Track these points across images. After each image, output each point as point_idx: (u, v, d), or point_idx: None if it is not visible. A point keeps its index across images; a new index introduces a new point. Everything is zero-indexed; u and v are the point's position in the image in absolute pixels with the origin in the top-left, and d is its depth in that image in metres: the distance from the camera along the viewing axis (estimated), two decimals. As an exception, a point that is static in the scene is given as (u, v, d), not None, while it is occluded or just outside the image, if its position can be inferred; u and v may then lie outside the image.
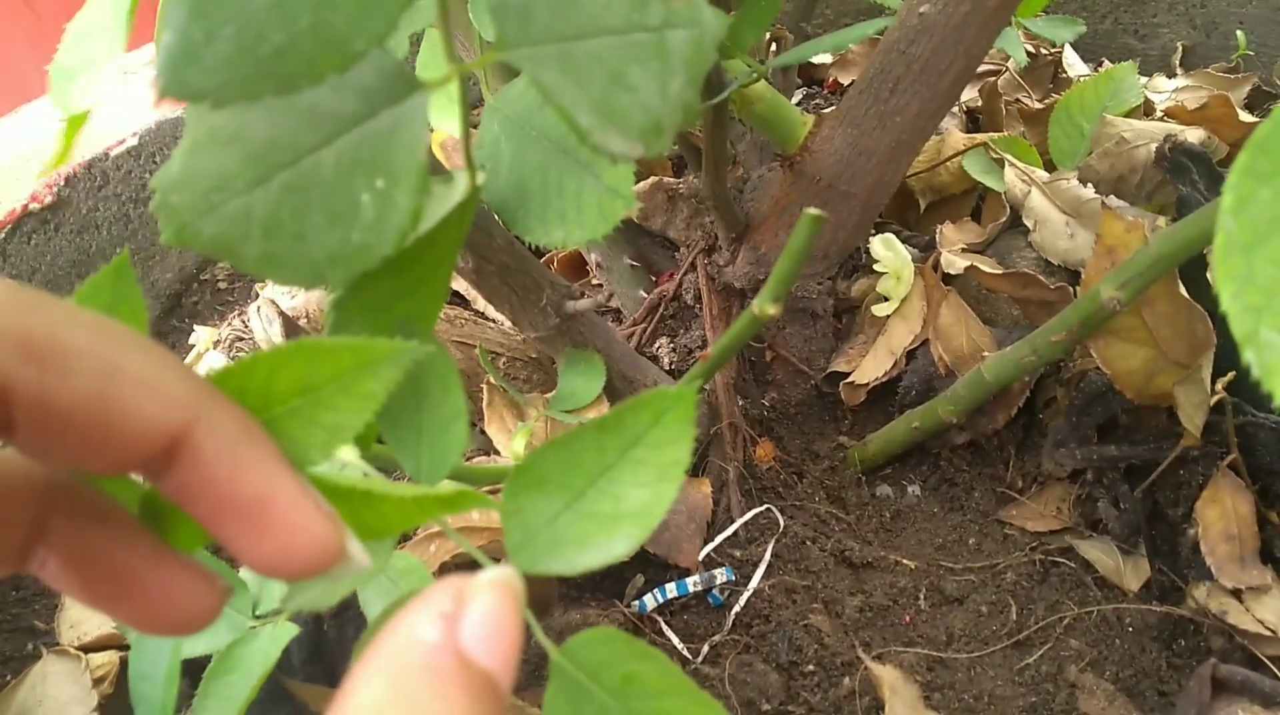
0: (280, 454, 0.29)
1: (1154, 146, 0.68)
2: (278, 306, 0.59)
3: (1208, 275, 0.62)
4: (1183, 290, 0.56)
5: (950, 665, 0.61)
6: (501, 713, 0.25)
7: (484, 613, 0.26)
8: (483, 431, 0.61)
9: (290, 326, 0.59)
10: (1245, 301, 0.35)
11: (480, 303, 0.81)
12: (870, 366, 0.71)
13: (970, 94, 0.94)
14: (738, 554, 0.66)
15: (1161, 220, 0.61)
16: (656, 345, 0.75)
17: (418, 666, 0.24)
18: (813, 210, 0.41)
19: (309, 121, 0.36)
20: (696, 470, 0.72)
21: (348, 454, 0.45)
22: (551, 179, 0.50)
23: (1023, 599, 0.63)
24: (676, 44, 0.35)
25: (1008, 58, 0.94)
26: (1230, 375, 0.58)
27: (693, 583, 0.64)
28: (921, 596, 0.64)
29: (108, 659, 0.59)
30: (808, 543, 0.67)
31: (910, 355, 0.71)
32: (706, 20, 0.34)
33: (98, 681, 0.57)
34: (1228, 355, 0.59)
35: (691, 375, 0.53)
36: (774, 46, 0.74)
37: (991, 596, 0.64)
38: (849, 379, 0.72)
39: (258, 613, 0.53)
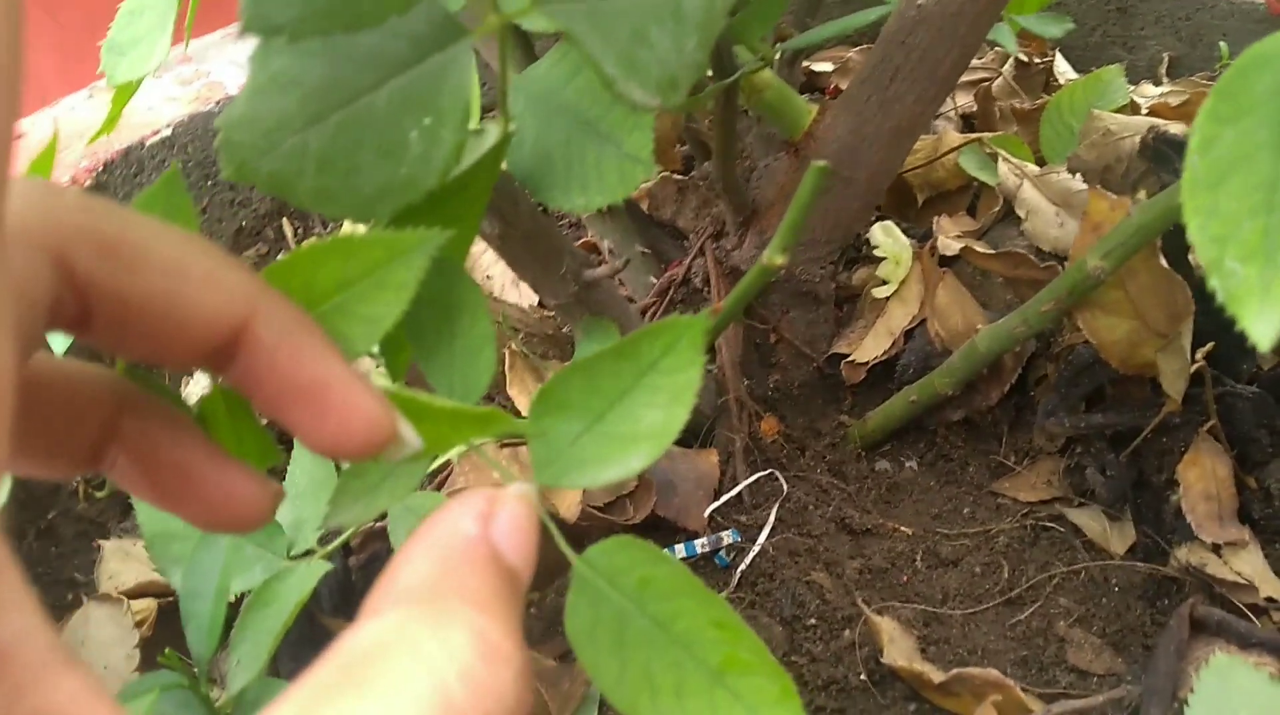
0: (332, 343, 0.32)
1: (1138, 138, 0.71)
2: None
3: (1189, 257, 0.66)
4: (1163, 262, 0.59)
5: (945, 621, 0.64)
6: (521, 600, 0.29)
7: (511, 517, 0.29)
8: (505, 394, 0.64)
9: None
10: (1210, 232, 0.39)
11: (497, 288, 0.85)
12: (870, 346, 0.75)
13: (965, 99, 0.98)
14: (743, 519, 0.69)
15: (1142, 194, 0.65)
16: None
17: (460, 551, 0.27)
18: (820, 162, 0.45)
19: (364, 65, 0.40)
20: (704, 442, 0.75)
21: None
22: (574, 150, 0.54)
23: (1014, 560, 0.66)
24: (691, 8, 0.39)
25: (1003, 64, 0.98)
26: (1210, 346, 0.62)
27: (700, 545, 0.67)
28: (918, 559, 0.67)
29: (146, 605, 0.62)
30: (810, 509, 0.70)
31: (908, 336, 0.75)
32: (717, -11, 0.38)
33: (137, 625, 0.60)
34: (1207, 332, 0.63)
35: (714, 324, 0.57)
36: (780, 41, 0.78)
37: (985, 558, 0.67)
38: (849, 358, 0.75)
39: (292, 554, 0.56)
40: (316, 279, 0.34)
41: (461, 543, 0.27)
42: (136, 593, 0.63)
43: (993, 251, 0.70)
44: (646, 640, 0.37)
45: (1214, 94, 0.39)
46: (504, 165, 0.55)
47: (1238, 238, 0.38)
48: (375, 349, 0.45)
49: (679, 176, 0.84)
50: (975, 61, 1.02)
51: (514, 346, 0.64)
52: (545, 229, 0.59)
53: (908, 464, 0.76)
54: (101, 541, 0.70)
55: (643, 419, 0.42)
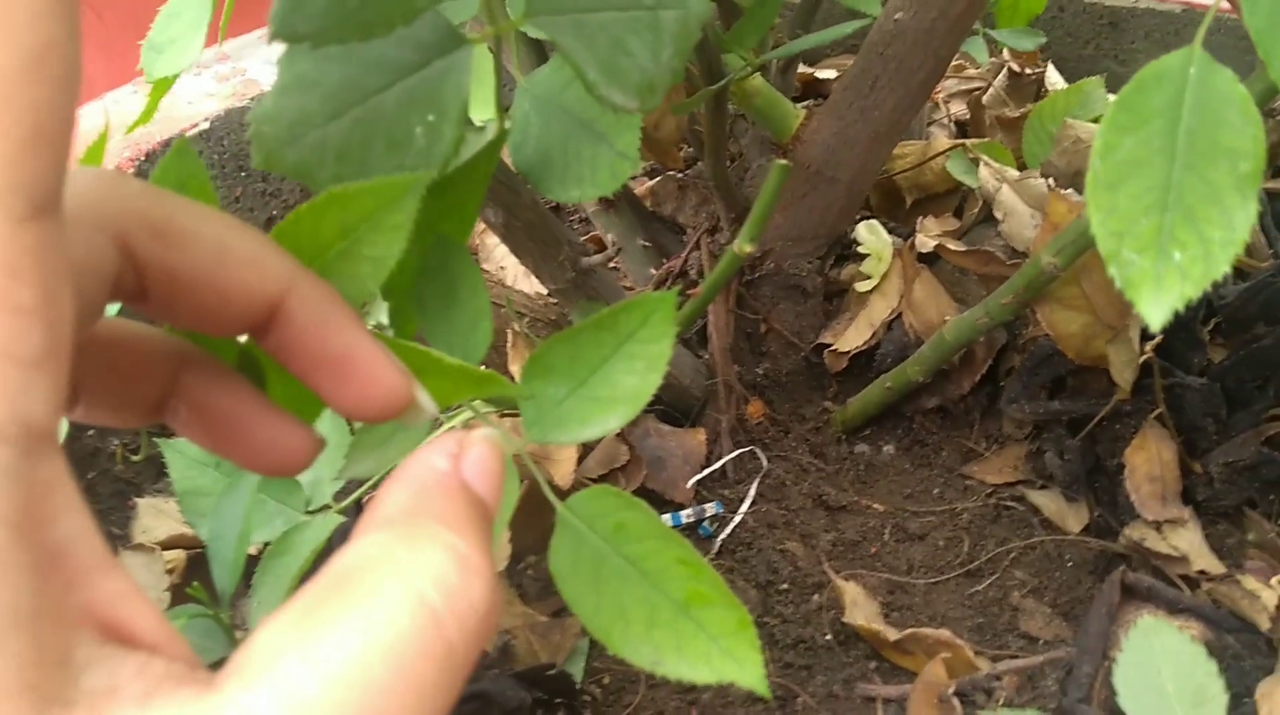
0: (358, 319, 0.38)
1: (1107, 146, 0.76)
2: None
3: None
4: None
5: (908, 590, 0.69)
6: (490, 526, 0.32)
7: (479, 455, 0.33)
8: (508, 371, 0.70)
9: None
10: (1110, 227, 0.44)
11: (510, 278, 0.91)
12: (852, 336, 0.80)
13: (959, 108, 1.03)
14: (726, 492, 0.75)
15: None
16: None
17: (433, 482, 0.31)
18: (782, 161, 0.50)
19: (377, 68, 0.45)
20: (694, 423, 0.80)
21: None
22: (571, 147, 0.60)
23: (976, 536, 0.71)
24: (667, 21, 0.45)
25: (996, 75, 1.03)
26: (1158, 339, 0.67)
27: (686, 515, 0.73)
28: (887, 533, 0.73)
29: (176, 555, 0.69)
30: (789, 485, 0.75)
31: (889, 328, 0.80)
32: (693, 4, 0.44)
33: (167, 572, 0.67)
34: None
35: (685, 310, 0.62)
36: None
37: (949, 534, 0.72)
38: (832, 347, 0.81)
39: (309, 509, 0.62)
40: (321, 229, 0.39)
41: (435, 475, 0.31)
42: (168, 545, 0.70)
43: (964, 249, 0.75)
44: (620, 577, 0.43)
45: (1115, 105, 0.44)
46: (509, 161, 0.61)
47: (1134, 232, 0.44)
48: (385, 320, 0.51)
49: (681, 175, 0.90)
50: (970, 72, 1.07)
51: (517, 327, 0.70)
52: (545, 219, 0.64)
53: (885, 447, 0.81)
54: (136, 499, 0.76)
55: (620, 384, 0.48)
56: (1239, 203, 0.44)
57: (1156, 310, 0.42)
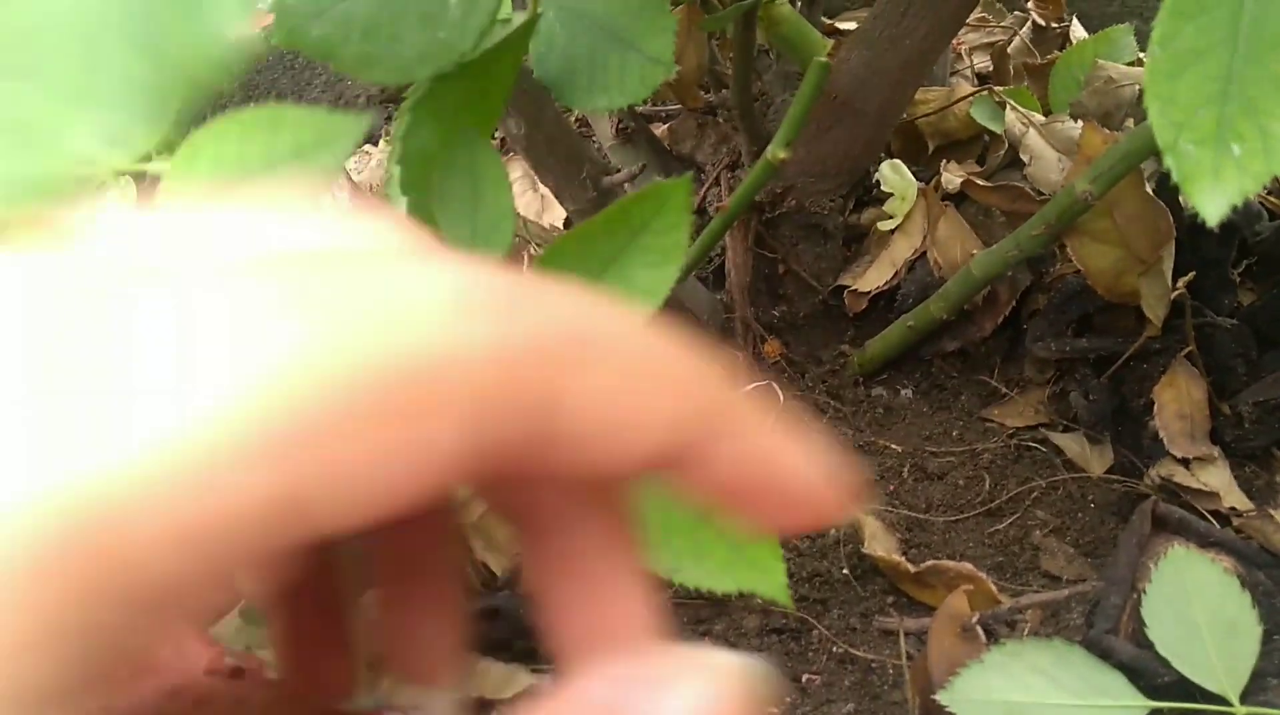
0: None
1: (1138, 86, 0.75)
2: (348, 176, 0.67)
3: (1179, 198, 0.69)
4: (1149, 188, 0.63)
5: (927, 527, 0.68)
6: None
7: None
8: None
9: (358, 196, 0.67)
10: (1169, 118, 0.43)
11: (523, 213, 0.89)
12: (873, 276, 0.79)
13: (983, 61, 1.02)
14: (742, 428, 0.73)
15: (1130, 122, 0.68)
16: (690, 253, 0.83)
17: None
18: (822, 58, 0.49)
19: (408, -65, 0.44)
20: (709, 360, 0.79)
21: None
22: (599, 57, 0.58)
23: (997, 476, 0.70)
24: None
25: (1022, 26, 1.01)
26: (1190, 276, 0.65)
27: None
28: (905, 472, 0.71)
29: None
30: (804, 423, 0.74)
31: (911, 268, 0.79)
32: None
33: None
34: (1189, 264, 0.66)
35: (710, 228, 0.61)
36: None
37: (969, 473, 0.71)
38: (852, 287, 0.79)
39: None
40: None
41: None
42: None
43: (992, 185, 0.73)
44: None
45: (1177, -10, 0.42)
46: (534, 73, 0.60)
47: (1193, 124, 0.42)
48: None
49: (700, 115, 0.88)
50: (994, 24, 1.06)
51: (534, 251, 0.68)
52: (567, 133, 0.63)
53: (903, 391, 0.79)
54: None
55: (636, 278, 0.46)
56: (1302, 96, 0.42)
57: (1213, 204, 0.41)
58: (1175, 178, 0.41)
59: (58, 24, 0.25)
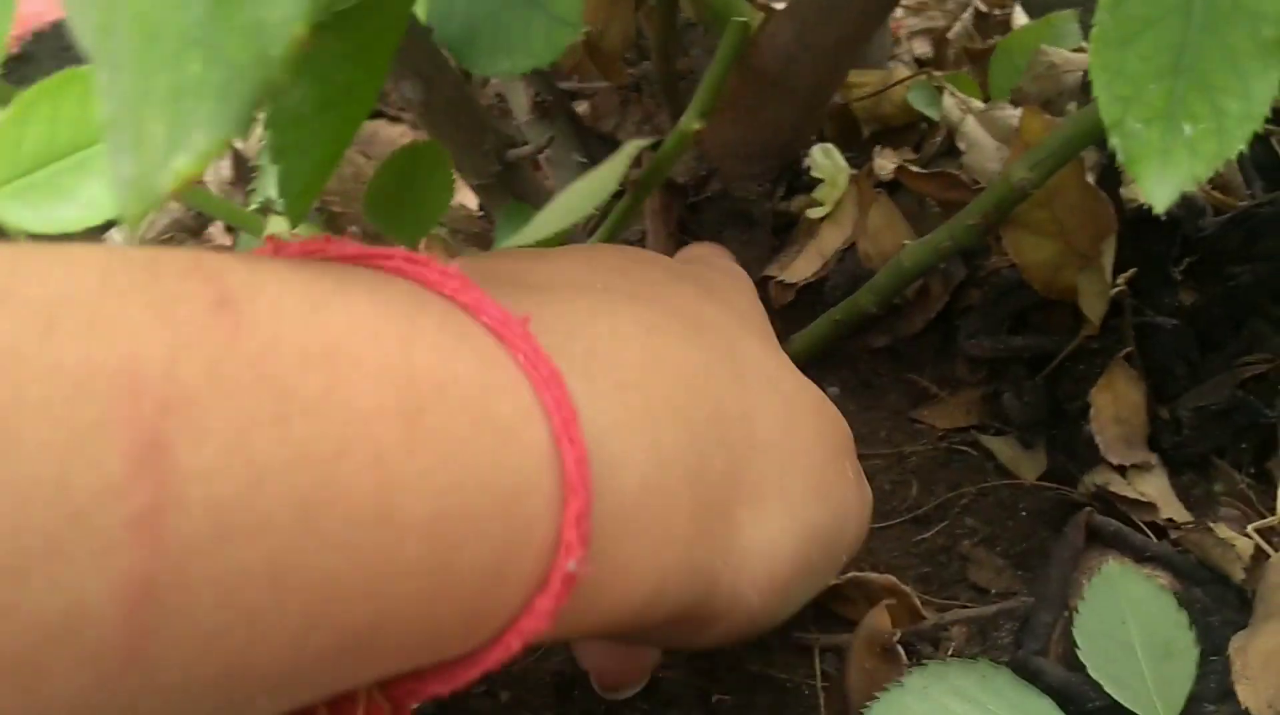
0: None
1: (1081, 73, 0.71)
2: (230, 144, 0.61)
3: (1119, 190, 0.66)
4: (1090, 179, 0.59)
5: (851, 535, 0.63)
6: None
7: None
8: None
9: (240, 164, 0.61)
10: (1115, 91, 0.38)
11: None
12: (800, 267, 0.74)
13: (923, 47, 0.98)
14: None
15: (1073, 106, 0.65)
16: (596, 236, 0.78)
17: None
18: (740, 18, 0.44)
19: None
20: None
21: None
22: (502, 19, 0.53)
23: (925, 480, 0.66)
24: None
25: (963, 10, 0.98)
26: (1131, 272, 0.62)
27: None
28: (830, 475, 0.67)
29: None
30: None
31: (840, 259, 0.74)
32: None
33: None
34: (1131, 261, 0.63)
35: (620, 206, 0.56)
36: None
37: (895, 477, 0.66)
38: (778, 278, 0.75)
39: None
40: None
41: None
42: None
43: (926, 172, 0.69)
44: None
45: (1130, -52, 0.38)
46: (433, 33, 0.54)
47: (1142, 99, 0.38)
48: (275, 193, 0.43)
49: (625, 92, 0.83)
50: (935, 9, 1.02)
51: (433, 232, 0.63)
52: (468, 100, 0.58)
53: (829, 389, 0.75)
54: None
55: None
56: (1259, 71, 0.38)
57: (1162, 189, 0.37)
58: (1121, 159, 0.37)
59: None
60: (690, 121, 0.47)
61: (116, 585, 0.17)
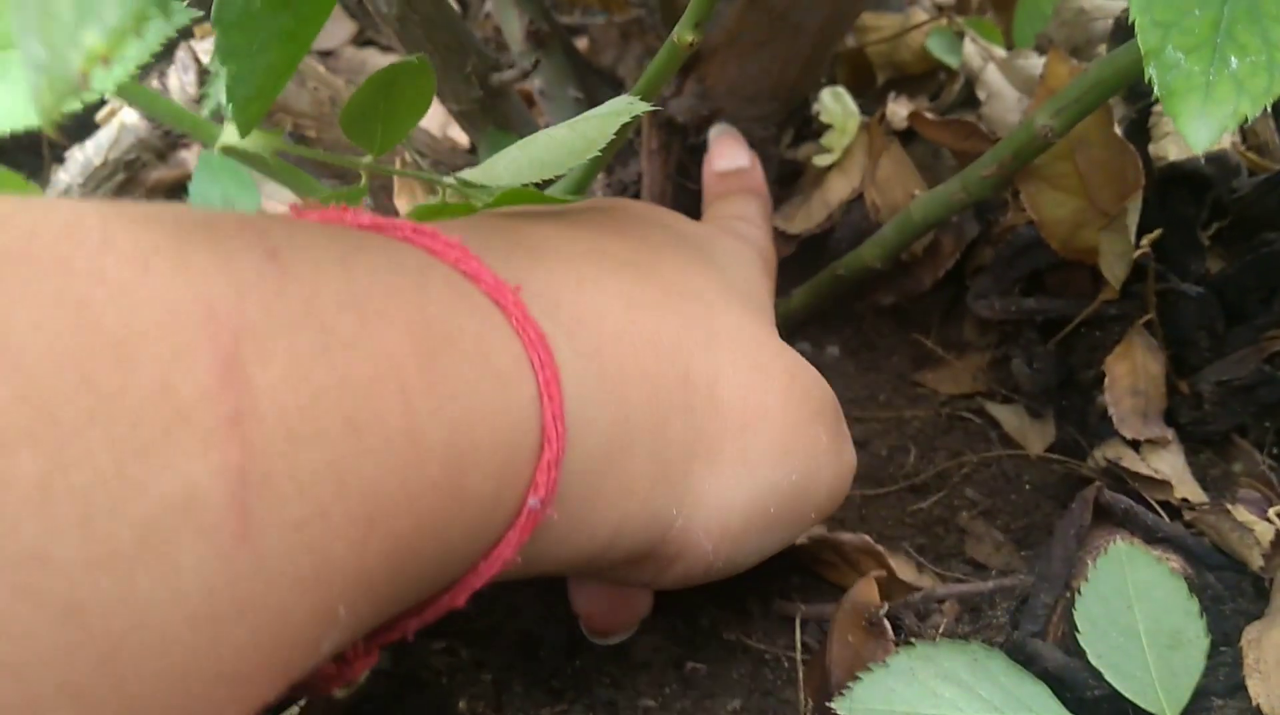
0: None
1: (1112, 20, 0.66)
2: (195, 54, 0.57)
3: (1149, 147, 0.61)
4: (1118, 130, 0.55)
5: (844, 500, 0.60)
6: None
7: None
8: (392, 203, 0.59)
9: (205, 77, 0.57)
10: (1154, 16, 0.34)
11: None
12: (803, 217, 0.70)
13: (946, -5, 0.93)
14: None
15: (1102, 49, 0.60)
16: (593, 181, 0.74)
17: None
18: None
19: None
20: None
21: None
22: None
23: (924, 447, 0.62)
24: None
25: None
26: (1157, 233, 0.57)
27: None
28: (824, 437, 0.63)
29: None
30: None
31: (847, 211, 0.70)
32: None
33: None
34: (1156, 221, 0.58)
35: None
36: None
37: (894, 442, 0.63)
38: (779, 229, 0.71)
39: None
40: None
41: None
42: None
43: (943, 120, 0.65)
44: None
45: None
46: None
47: (1185, 25, 0.33)
48: (224, 100, 0.39)
49: (627, 25, 0.79)
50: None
51: (407, 157, 0.59)
52: (448, 16, 0.53)
53: (829, 348, 0.71)
54: None
55: None
56: (1322, -2, 0.33)
57: (1202, 128, 0.32)
58: (1157, 92, 0.33)
59: None
60: (684, 33, 0.43)
61: (218, 472, 0.21)
